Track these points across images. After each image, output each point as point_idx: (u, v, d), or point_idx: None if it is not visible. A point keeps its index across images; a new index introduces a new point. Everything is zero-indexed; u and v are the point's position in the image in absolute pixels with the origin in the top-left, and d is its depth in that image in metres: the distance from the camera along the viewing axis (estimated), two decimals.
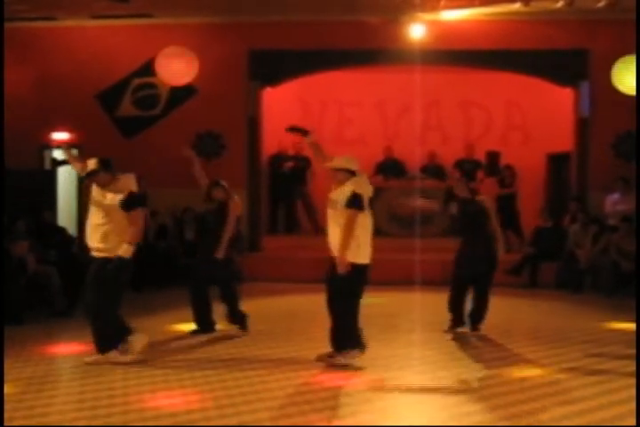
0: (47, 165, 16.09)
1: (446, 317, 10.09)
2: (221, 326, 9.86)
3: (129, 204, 7.97)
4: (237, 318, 9.81)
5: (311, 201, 16.99)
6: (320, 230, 16.98)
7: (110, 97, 15.88)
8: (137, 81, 15.78)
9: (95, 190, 8.13)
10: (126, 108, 15.90)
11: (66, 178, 15.70)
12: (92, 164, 8.10)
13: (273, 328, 10.03)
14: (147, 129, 15.85)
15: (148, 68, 14.96)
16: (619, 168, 15.05)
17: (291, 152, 17.17)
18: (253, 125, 15.84)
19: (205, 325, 9.76)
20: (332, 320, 8.06)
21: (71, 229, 14.47)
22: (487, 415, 6.45)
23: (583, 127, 15.54)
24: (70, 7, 14.62)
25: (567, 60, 15.37)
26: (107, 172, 8.06)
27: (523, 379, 7.66)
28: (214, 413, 6.46)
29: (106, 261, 7.96)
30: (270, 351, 8.84)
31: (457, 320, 9.91)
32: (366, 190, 7.95)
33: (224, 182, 9.86)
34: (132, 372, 7.76)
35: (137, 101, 15.86)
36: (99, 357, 8.08)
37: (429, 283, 12.31)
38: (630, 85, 13.66)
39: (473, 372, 7.90)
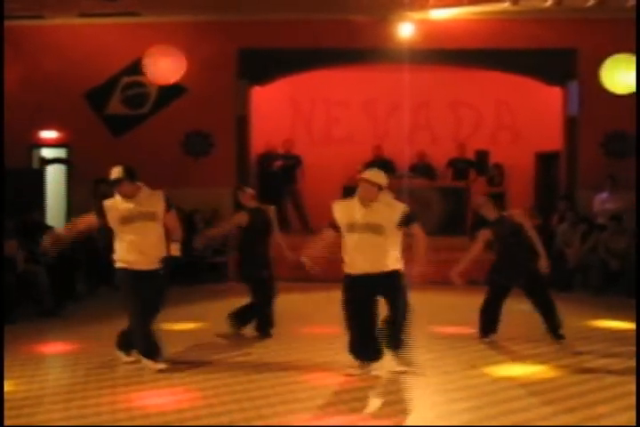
0: (36, 164, 16.07)
1: (432, 316, 10.10)
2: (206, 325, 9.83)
3: (170, 205, 7.96)
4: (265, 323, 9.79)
5: (301, 200, 16.97)
6: (310, 229, 16.99)
7: (99, 96, 15.84)
8: (125, 80, 15.75)
9: (126, 204, 7.78)
10: (115, 106, 15.86)
11: (54, 177, 15.67)
12: (116, 172, 7.76)
13: None
14: (135, 128, 15.82)
15: (136, 67, 14.94)
16: (607, 167, 15.09)
17: (280, 151, 17.16)
18: (242, 124, 15.84)
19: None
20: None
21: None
22: (476, 414, 6.45)
23: (572, 126, 15.58)
24: (58, 6, 14.59)
25: (556, 60, 15.40)
26: (131, 181, 7.79)
27: (511, 377, 7.68)
28: (204, 411, 6.46)
29: (158, 270, 7.89)
30: (258, 351, 8.84)
31: (487, 326, 9.53)
32: None
33: (247, 188, 9.98)
34: (120, 371, 7.76)
35: (126, 100, 15.83)
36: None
37: (414, 282, 12.27)
38: (619, 85, 13.71)
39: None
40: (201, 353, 8.62)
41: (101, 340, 9.30)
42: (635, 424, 6.17)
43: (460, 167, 16.86)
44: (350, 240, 7.68)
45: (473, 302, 10.10)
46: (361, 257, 7.68)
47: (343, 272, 7.76)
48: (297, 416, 6.38)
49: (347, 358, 8.11)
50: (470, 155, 17.05)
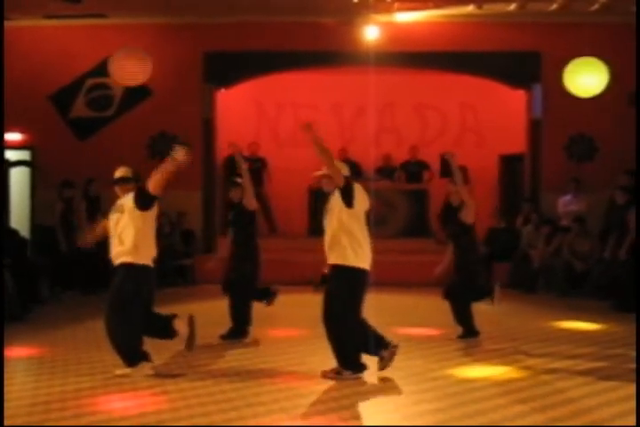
0: None
1: (394, 317, 10.16)
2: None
3: None
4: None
5: (268, 202, 16.99)
6: (276, 231, 17.01)
7: (64, 98, 15.74)
8: (90, 82, 15.66)
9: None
10: (80, 109, 15.77)
11: (18, 179, 15.53)
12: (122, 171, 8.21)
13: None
14: (100, 130, 15.73)
15: (101, 69, 14.88)
16: (571, 170, 15.22)
17: (246, 153, 17.13)
18: (208, 127, 15.82)
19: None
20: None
21: (24, 231, 14.29)
22: (440, 416, 6.48)
23: (536, 129, 15.71)
24: (24, 7, 14.47)
25: (520, 63, 15.52)
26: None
27: (475, 379, 7.71)
28: (167, 416, 6.44)
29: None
30: (223, 355, 8.84)
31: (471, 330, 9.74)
32: None
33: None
34: (85, 375, 7.73)
35: (90, 102, 15.74)
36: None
37: (381, 284, 12.32)
38: (582, 88, 13.84)
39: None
40: (166, 357, 8.58)
41: (67, 344, 9.29)
42: (635, 424, 6.25)
43: (412, 170, 16.94)
44: (365, 229, 7.61)
45: (433, 303, 10.17)
46: (369, 249, 7.64)
47: (348, 265, 7.55)
48: (261, 419, 6.38)
49: (311, 360, 8.15)
50: (434, 158, 17.14)
